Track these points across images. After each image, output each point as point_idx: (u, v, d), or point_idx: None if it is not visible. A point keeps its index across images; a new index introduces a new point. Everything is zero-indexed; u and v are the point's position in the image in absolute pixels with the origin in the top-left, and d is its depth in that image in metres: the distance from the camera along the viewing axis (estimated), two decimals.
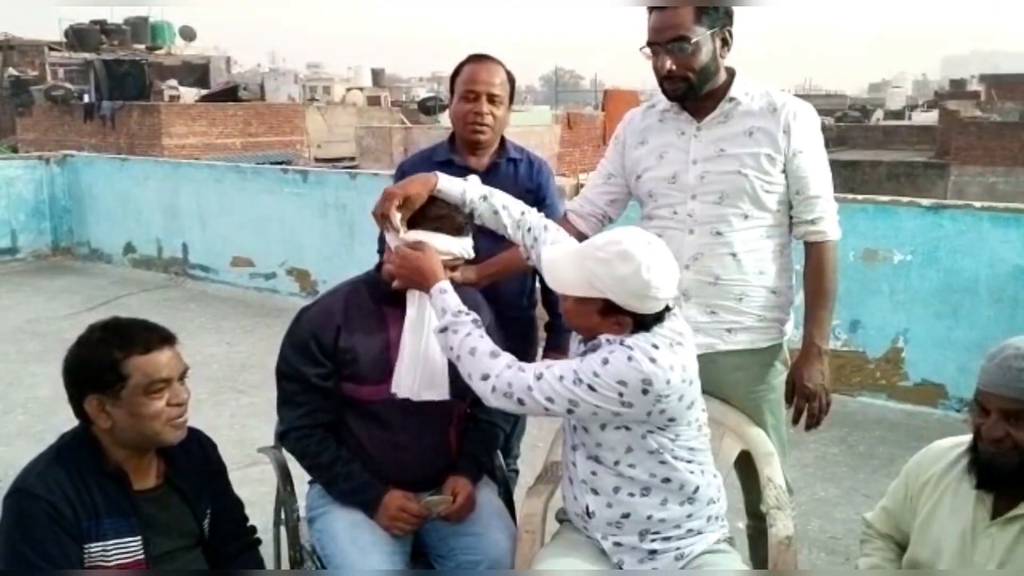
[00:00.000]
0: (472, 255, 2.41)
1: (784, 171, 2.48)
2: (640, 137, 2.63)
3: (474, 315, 2.16)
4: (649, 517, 2.13)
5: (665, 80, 2.45)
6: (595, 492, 2.16)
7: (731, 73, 2.51)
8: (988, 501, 1.92)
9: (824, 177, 2.54)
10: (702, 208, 2.46)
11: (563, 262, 2.12)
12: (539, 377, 2.03)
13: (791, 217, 2.56)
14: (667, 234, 2.43)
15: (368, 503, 2.36)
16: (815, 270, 2.55)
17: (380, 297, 2.41)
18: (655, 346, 2.01)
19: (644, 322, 2.04)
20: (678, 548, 2.15)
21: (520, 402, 2.04)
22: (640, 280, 1.99)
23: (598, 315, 2.05)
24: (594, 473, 2.15)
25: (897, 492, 2.14)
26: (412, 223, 2.32)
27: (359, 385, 2.38)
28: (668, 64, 2.41)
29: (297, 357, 2.40)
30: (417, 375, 2.36)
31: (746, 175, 2.45)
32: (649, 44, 2.44)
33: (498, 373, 2.06)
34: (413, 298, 2.36)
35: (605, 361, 1.99)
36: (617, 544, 2.16)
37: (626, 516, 2.14)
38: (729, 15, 2.45)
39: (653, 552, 2.14)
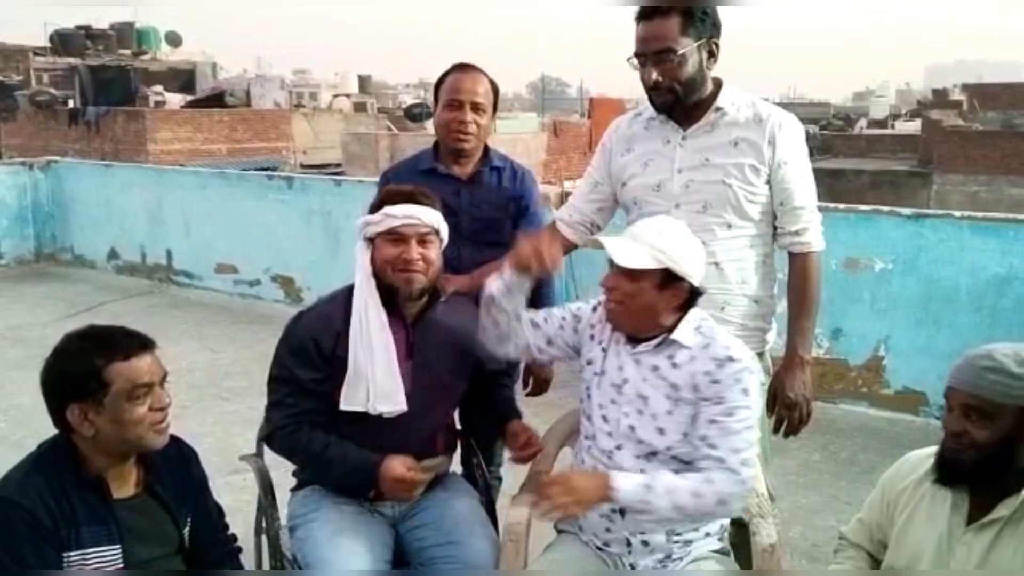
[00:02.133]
0: (446, 236, 2.44)
1: (768, 182, 2.50)
2: (626, 144, 2.65)
3: (645, 478, 2.10)
4: None
5: (652, 91, 2.48)
6: None
7: (718, 83, 2.53)
8: (963, 507, 1.94)
9: (808, 188, 2.56)
10: (686, 217, 2.47)
11: (623, 241, 2.19)
12: (744, 463, 2.11)
13: (775, 228, 2.58)
14: None
15: (367, 478, 2.33)
16: (799, 280, 2.57)
17: (408, 296, 2.40)
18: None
19: (696, 291, 2.20)
20: (690, 552, 2.23)
21: (747, 487, 2.15)
22: (698, 245, 2.22)
23: (656, 290, 2.15)
24: (642, 471, 2.17)
25: (874, 503, 2.16)
26: (375, 208, 2.38)
27: None
28: (655, 75, 2.43)
29: (293, 360, 2.38)
30: (370, 389, 2.35)
31: (730, 185, 2.47)
32: (636, 55, 2.46)
33: (718, 491, 2.09)
34: (358, 309, 2.36)
35: (746, 392, 2.14)
36: (644, 544, 2.20)
37: None
38: (716, 26, 2.46)
39: (668, 556, 2.22)
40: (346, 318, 2.38)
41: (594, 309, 2.36)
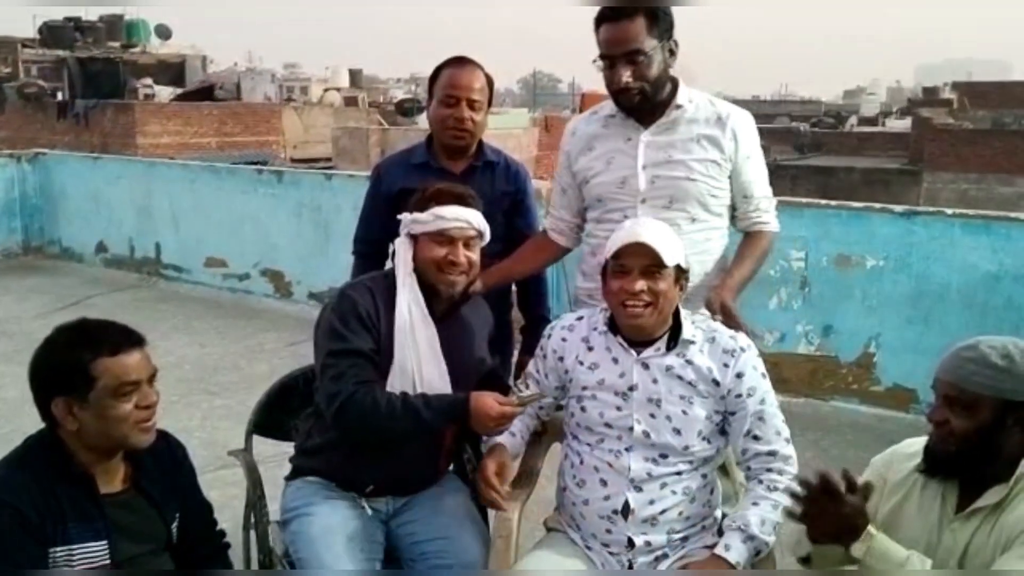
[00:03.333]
0: (488, 238, 2.46)
1: (730, 176, 2.61)
2: (586, 144, 2.70)
3: (740, 535, 2.17)
4: (680, 513, 2.24)
5: (621, 93, 2.52)
6: (639, 489, 2.23)
7: (675, 82, 2.60)
8: (953, 497, 1.95)
9: (765, 180, 2.72)
10: (651, 212, 2.55)
11: (664, 236, 2.24)
12: (787, 441, 2.26)
13: (733, 217, 2.70)
14: None
15: (460, 416, 2.29)
16: (748, 243, 2.68)
17: (448, 297, 2.43)
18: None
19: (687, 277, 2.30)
20: (685, 547, 2.27)
21: (795, 459, 2.28)
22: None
23: (675, 285, 2.23)
24: (650, 475, 2.22)
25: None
26: (421, 206, 2.37)
27: None
28: (625, 77, 2.48)
29: (351, 329, 2.32)
30: (417, 385, 2.35)
31: (695, 180, 2.56)
32: (603, 57, 2.49)
33: (785, 484, 2.17)
34: (402, 306, 2.36)
35: (764, 375, 2.27)
36: (647, 544, 2.23)
37: (663, 512, 2.23)
38: (673, 26, 2.53)
39: (665, 555, 2.25)
40: (382, 294, 2.40)
41: (563, 340, 2.37)
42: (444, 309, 2.45)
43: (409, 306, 2.37)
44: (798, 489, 1.85)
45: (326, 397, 2.32)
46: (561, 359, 2.36)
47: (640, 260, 2.18)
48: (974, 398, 1.86)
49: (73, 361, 1.91)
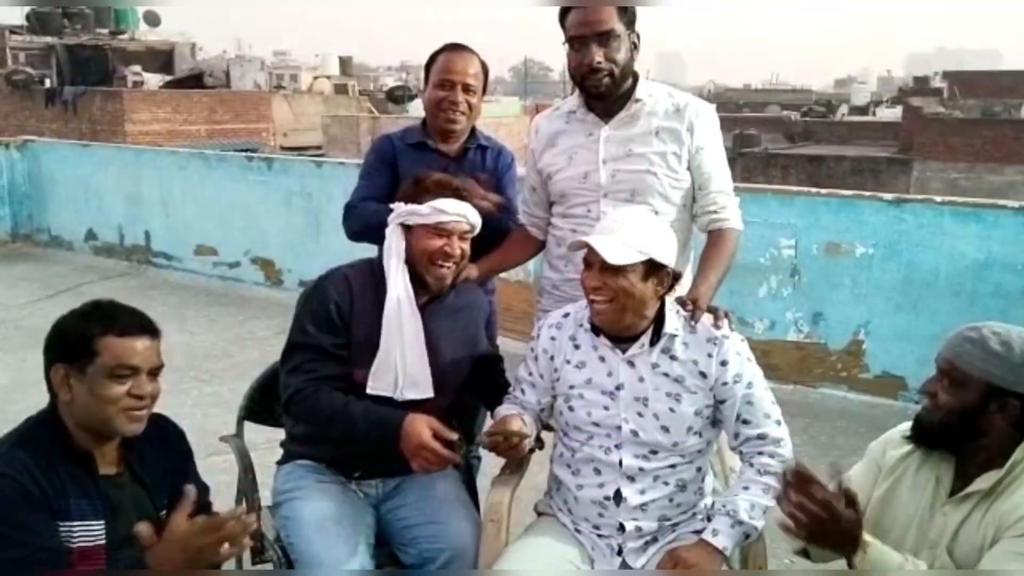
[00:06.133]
0: (479, 226, 2.47)
1: (688, 167, 2.62)
2: (549, 140, 2.74)
3: (728, 520, 2.19)
4: (671, 501, 2.26)
5: (592, 73, 2.53)
6: (632, 480, 2.24)
7: (635, 76, 2.63)
8: (946, 481, 1.97)
9: (725, 173, 2.69)
10: (614, 206, 2.57)
11: (604, 239, 2.18)
12: (777, 423, 2.26)
13: (693, 212, 2.69)
14: (581, 231, 2.53)
15: (391, 433, 2.27)
16: (715, 247, 2.64)
17: (385, 286, 2.42)
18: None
19: (676, 276, 2.26)
20: (675, 531, 2.28)
21: (788, 441, 2.29)
22: (668, 228, 2.28)
23: (641, 281, 2.16)
24: (642, 469, 2.24)
25: (859, 470, 2.16)
26: (416, 197, 2.39)
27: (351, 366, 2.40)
28: (597, 57, 2.51)
29: (315, 325, 2.37)
30: (399, 375, 2.37)
31: (655, 173, 2.59)
32: (576, 38, 2.52)
33: (777, 467, 2.18)
34: (392, 295, 2.38)
35: (750, 359, 2.26)
36: (637, 529, 2.24)
37: (655, 500, 2.25)
38: (636, 19, 2.57)
39: (654, 539, 2.27)
40: (361, 285, 2.42)
41: (552, 338, 2.37)
42: (429, 298, 2.46)
43: (399, 297, 2.39)
44: (789, 471, 1.86)
45: (282, 388, 2.40)
46: (552, 358, 2.37)
47: (598, 256, 2.16)
48: (965, 376, 1.90)
49: (81, 331, 1.94)
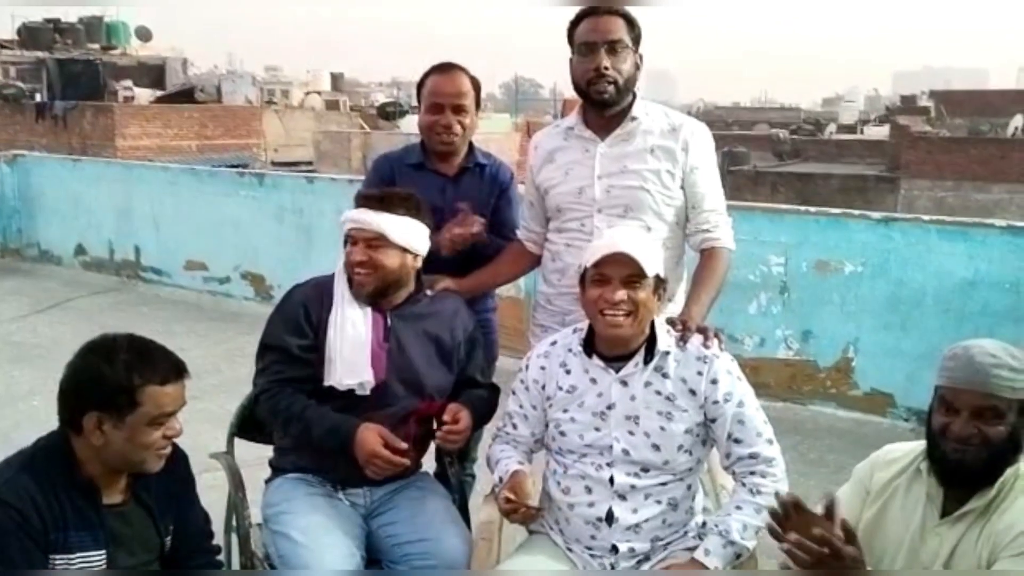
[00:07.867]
0: (407, 241, 2.48)
1: (682, 186, 2.65)
2: (547, 156, 2.77)
3: (720, 540, 2.19)
4: (663, 521, 2.26)
5: (599, 78, 2.57)
6: (623, 498, 2.24)
7: (634, 94, 2.67)
8: (938, 501, 1.95)
9: (718, 193, 2.72)
10: (608, 222, 2.61)
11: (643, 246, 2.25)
12: (768, 441, 2.26)
13: (686, 231, 2.71)
14: (575, 245, 2.61)
15: (344, 441, 2.37)
16: (707, 267, 2.65)
17: (361, 296, 2.49)
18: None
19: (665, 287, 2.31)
20: (668, 550, 2.28)
21: (780, 460, 2.28)
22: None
23: (654, 294, 2.23)
24: (633, 487, 2.24)
25: (845, 490, 2.15)
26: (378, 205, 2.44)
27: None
28: (605, 62, 2.55)
29: (283, 327, 2.49)
30: (338, 363, 2.43)
31: (648, 190, 2.62)
32: (586, 44, 2.57)
33: (769, 488, 2.19)
34: (337, 298, 2.48)
35: (740, 378, 2.27)
36: (631, 550, 2.24)
37: (647, 520, 2.24)
38: (641, 39, 2.62)
39: (647, 557, 2.26)
40: (336, 295, 2.51)
41: (542, 368, 2.38)
42: (394, 303, 2.51)
43: (341, 299, 2.48)
44: (782, 495, 1.85)
45: (254, 387, 2.53)
46: (543, 387, 2.37)
47: (620, 270, 2.18)
48: (1007, 404, 1.84)
49: (125, 382, 1.90)
